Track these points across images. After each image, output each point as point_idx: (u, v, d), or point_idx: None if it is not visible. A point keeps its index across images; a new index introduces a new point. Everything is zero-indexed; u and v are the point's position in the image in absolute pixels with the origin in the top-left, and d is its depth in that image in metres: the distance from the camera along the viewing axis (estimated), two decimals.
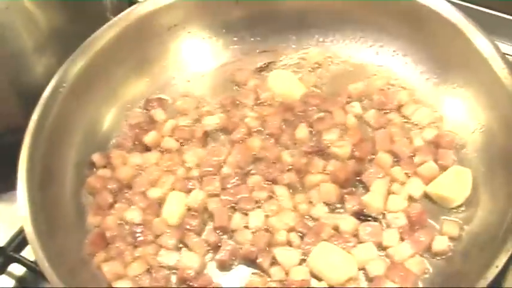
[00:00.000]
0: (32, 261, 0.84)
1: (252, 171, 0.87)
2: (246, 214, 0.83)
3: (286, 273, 0.79)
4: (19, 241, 0.86)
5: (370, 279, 0.78)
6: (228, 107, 0.94)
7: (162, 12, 0.95)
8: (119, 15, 0.94)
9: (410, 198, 0.83)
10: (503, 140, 0.83)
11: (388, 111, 0.91)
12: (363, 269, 0.78)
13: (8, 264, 0.87)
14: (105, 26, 0.92)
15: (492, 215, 0.79)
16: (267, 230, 0.82)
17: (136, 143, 0.91)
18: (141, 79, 0.96)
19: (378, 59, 0.96)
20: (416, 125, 0.89)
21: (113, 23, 0.93)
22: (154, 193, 0.86)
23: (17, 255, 0.86)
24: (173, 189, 0.86)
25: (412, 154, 0.86)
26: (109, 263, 0.81)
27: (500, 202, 0.78)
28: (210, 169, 0.87)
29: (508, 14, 0.99)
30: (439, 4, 0.89)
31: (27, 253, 0.85)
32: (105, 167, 0.90)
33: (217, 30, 0.99)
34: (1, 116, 0.93)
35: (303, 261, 0.79)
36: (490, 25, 0.89)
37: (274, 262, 0.80)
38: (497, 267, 0.69)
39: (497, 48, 0.85)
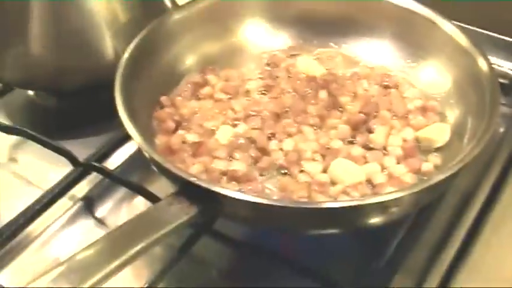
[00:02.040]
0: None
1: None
2: (281, 142, 1.06)
3: (311, 178, 1.00)
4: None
5: (374, 186, 0.99)
6: (265, 78, 1.18)
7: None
8: None
9: (405, 141, 1.06)
10: (471, 93, 1.06)
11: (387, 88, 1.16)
12: (369, 180, 1.00)
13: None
14: None
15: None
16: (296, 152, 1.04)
17: (193, 94, 1.15)
18: (212, 45, 1.21)
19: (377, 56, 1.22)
20: (408, 97, 1.14)
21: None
22: (209, 124, 1.08)
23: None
24: (224, 123, 1.09)
25: (406, 115, 1.10)
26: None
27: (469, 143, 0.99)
28: (253, 113, 1.10)
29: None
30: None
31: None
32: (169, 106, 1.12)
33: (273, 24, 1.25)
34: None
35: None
36: None
37: (302, 171, 1.02)
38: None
39: (458, 27, 1.12)
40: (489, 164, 1.10)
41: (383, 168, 1.02)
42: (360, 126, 1.08)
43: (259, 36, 1.25)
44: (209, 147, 1.04)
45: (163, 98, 1.12)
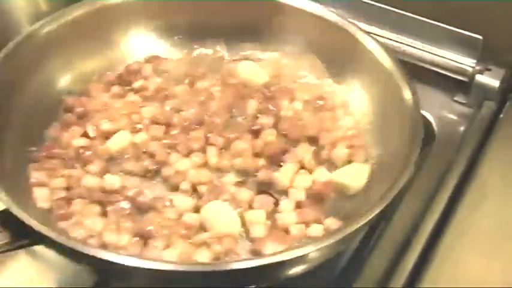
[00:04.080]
0: None
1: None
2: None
3: (179, 217, 0.82)
4: None
5: (251, 240, 0.80)
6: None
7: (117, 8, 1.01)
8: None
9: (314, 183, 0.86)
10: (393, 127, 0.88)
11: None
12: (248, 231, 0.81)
13: None
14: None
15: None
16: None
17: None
18: (94, 58, 1.01)
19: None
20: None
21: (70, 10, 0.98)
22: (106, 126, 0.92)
23: None
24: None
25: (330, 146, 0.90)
26: (39, 172, 0.86)
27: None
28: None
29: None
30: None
31: None
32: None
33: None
34: None
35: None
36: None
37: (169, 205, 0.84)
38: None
39: (376, 41, 0.93)
40: (451, 164, 0.92)
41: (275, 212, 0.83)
42: (278, 158, 0.89)
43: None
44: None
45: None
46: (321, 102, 0.95)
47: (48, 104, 0.94)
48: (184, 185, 0.85)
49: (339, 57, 0.97)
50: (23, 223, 0.71)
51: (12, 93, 0.89)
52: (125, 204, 0.83)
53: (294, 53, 1.01)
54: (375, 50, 0.92)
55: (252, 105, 0.94)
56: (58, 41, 0.96)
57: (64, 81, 0.97)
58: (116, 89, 0.98)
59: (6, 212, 0.72)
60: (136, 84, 0.98)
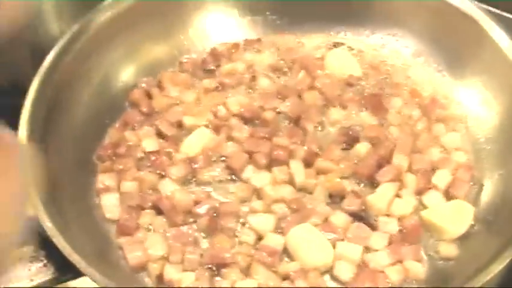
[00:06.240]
0: None
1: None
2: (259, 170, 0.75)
3: (259, 238, 0.70)
4: None
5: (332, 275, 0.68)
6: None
7: None
8: None
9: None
10: None
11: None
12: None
13: None
14: None
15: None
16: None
17: None
18: (162, 44, 0.86)
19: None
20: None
21: None
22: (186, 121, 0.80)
23: None
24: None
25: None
26: (106, 174, 0.75)
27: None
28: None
29: None
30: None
31: None
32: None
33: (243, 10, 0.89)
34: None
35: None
36: None
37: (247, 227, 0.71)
38: None
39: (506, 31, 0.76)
40: None
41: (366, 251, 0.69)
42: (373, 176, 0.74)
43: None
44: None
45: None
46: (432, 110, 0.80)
47: (112, 98, 0.82)
48: (264, 203, 0.72)
49: (459, 49, 0.83)
50: None
51: (74, 85, 0.78)
52: (189, 229, 0.71)
53: (400, 39, 0.87)
54: (503, 43, 0.77)
55: (342, 110, 0.81)
56: (120, 27, 0.82)
57: (128, 72, 0.84)
58: (194, 76, 0.85)
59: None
60: (224, 69, 0.85)
